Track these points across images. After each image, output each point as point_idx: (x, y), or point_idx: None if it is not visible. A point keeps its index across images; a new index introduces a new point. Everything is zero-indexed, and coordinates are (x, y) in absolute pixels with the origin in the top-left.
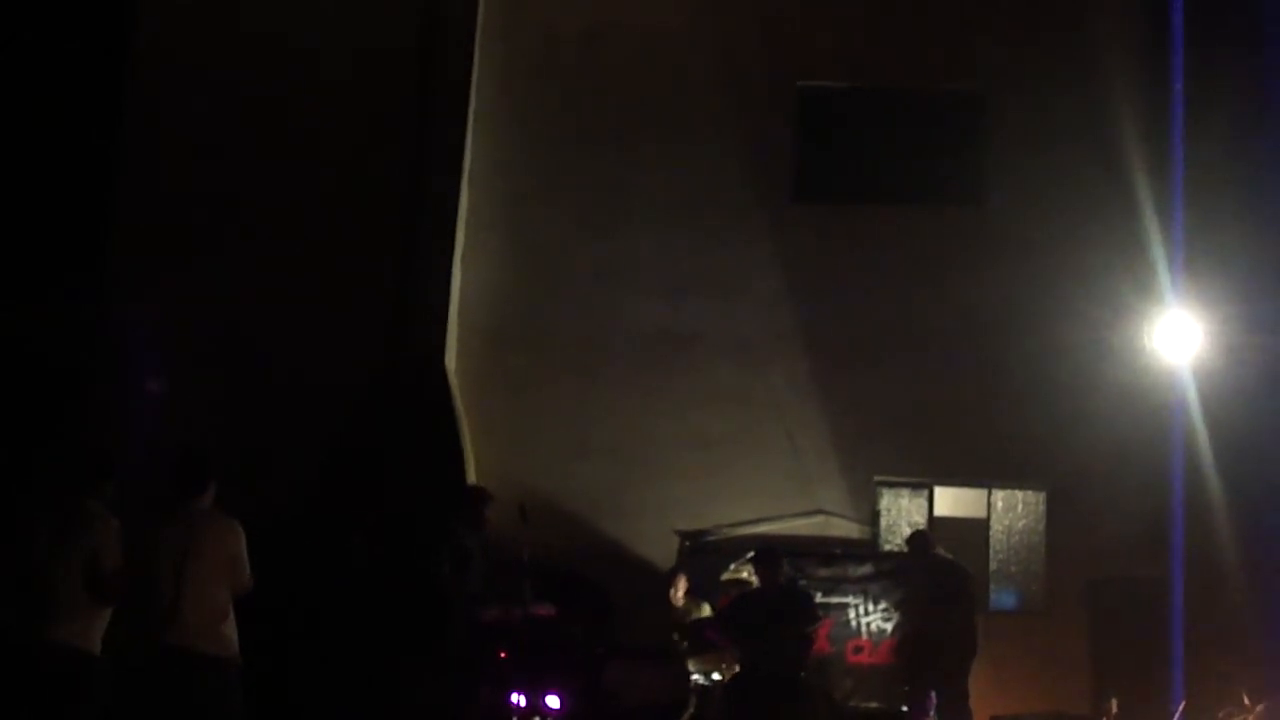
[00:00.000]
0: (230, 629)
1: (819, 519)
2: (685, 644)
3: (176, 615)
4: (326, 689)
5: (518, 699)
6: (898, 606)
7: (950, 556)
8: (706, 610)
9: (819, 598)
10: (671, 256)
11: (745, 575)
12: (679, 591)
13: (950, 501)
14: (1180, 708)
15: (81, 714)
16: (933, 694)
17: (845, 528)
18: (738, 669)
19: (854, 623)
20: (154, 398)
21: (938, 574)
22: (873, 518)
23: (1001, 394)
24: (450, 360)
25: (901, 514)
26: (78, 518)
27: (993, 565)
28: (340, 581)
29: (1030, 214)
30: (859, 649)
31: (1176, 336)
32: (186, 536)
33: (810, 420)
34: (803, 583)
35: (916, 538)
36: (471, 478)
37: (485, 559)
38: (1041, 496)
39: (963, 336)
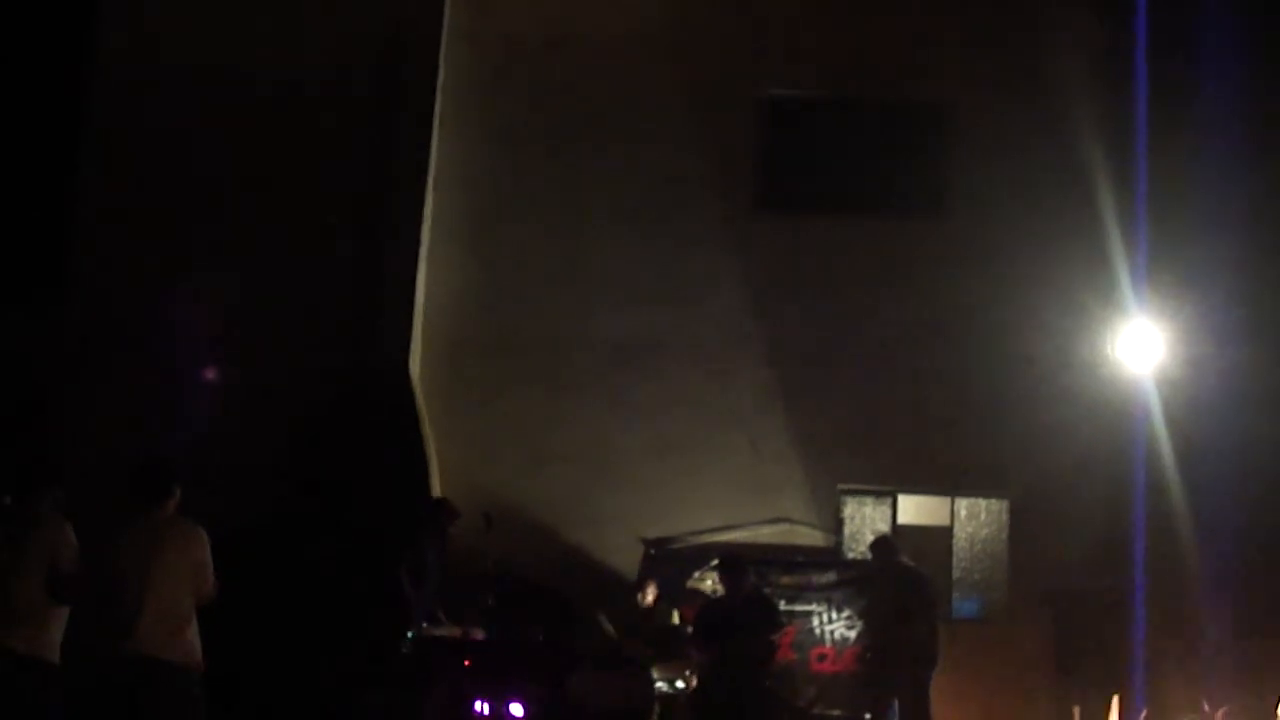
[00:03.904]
0: (193, 637)
1: (783, 527)
2: (653, 651)
3: (139, 623)
4: (289, 697)
5: (481, 706)
6: (861, 614)
7: (912, 564)
8: (675, 617)
9: (783, 606)
10: (636, 264)
11: (708, 584)
12: (648, 597)
13: (914, 510)
14: (1142, 716)
15: None
16: (895, 702)
17: (809, 535)
18: (700, 677)
19: (818, 630)
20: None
21: (900, 581)
22: (837, 526)
23: (965, 403)
24: (414, 368)
25: (865, 522)
26: (28, 523)
27: (955, 573)
28: (303, 590)
29: (993, 224)
30: (823, 657)
31: (1139, 346)
32: (149, 544)
33: (774, 428)
34: (767, 590)
35: (881, 544)
36: (436, 486)
37: (442, 573)
38: (1004, 505)
39: (926, 345)
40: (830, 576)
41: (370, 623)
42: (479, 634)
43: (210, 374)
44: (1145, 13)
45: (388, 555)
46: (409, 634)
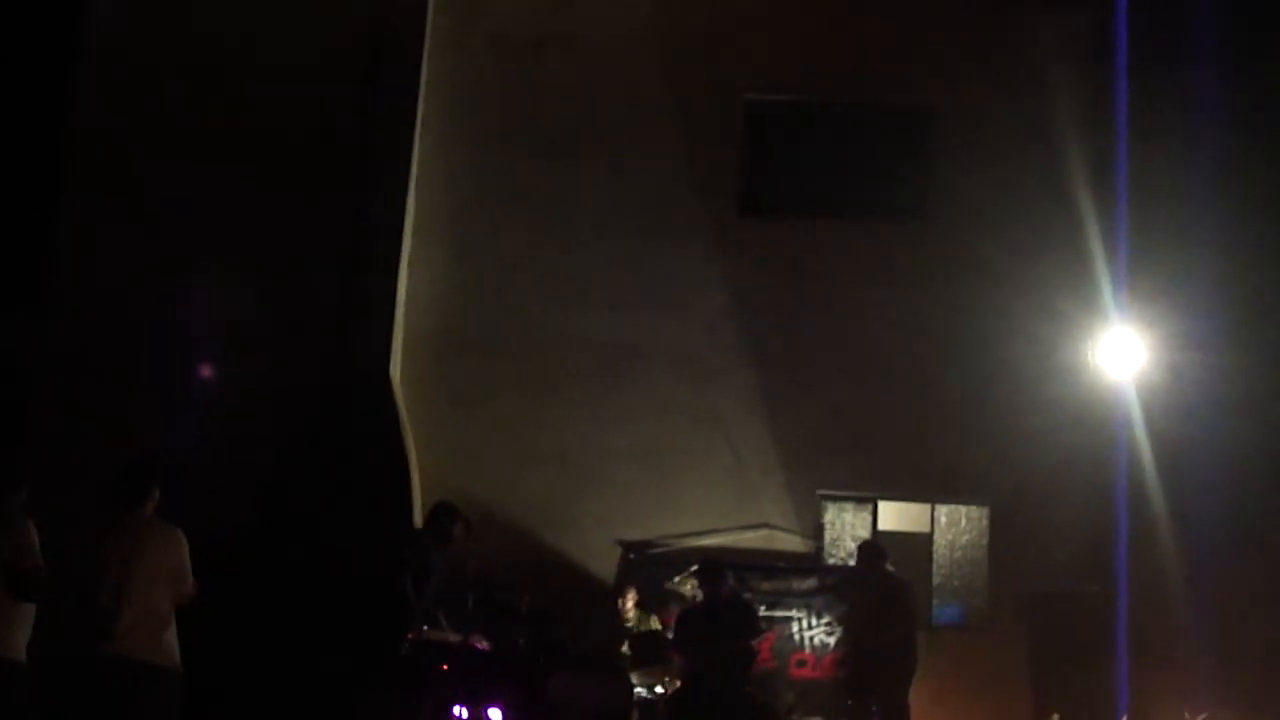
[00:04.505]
0: (172, 638)
1: (764, 532)
2: (632, 656)
3: (117, 625)
4: (272, 698)
5: (460, 711)
6: (841, 620)
7: (893, 570)
8: (655, 623)
9: (762, 611)
10: (618, 268)
11: (688, 589)
12: (628, 603)
13: (894, 516)
14: None
15: None
16: (874, 708)
17: (790, 541)
18: (680, 682)
19: (797, 636)
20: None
21: (881, 588)
22: (817, 531)
23: (946, 409)
24: (395, 371)
25: (846, 528)
26: None
27: (936, 580)
28: (281, 592)
29: (975, 230)
30: (802, 662)
31: (1120, 353)
32: (128, 545)
33: (755, 433)
34: (746, 596)
35: (868, 549)
36: (416, 489)
37: (442, 576)
38: (985, 511)
39: (908, 351)
40: (810, 582)
41: (361, 626)
42: (482, 642)
43: (193, 376)
44: (1128, 20)
45: (389, 557)
46: (408, 636)
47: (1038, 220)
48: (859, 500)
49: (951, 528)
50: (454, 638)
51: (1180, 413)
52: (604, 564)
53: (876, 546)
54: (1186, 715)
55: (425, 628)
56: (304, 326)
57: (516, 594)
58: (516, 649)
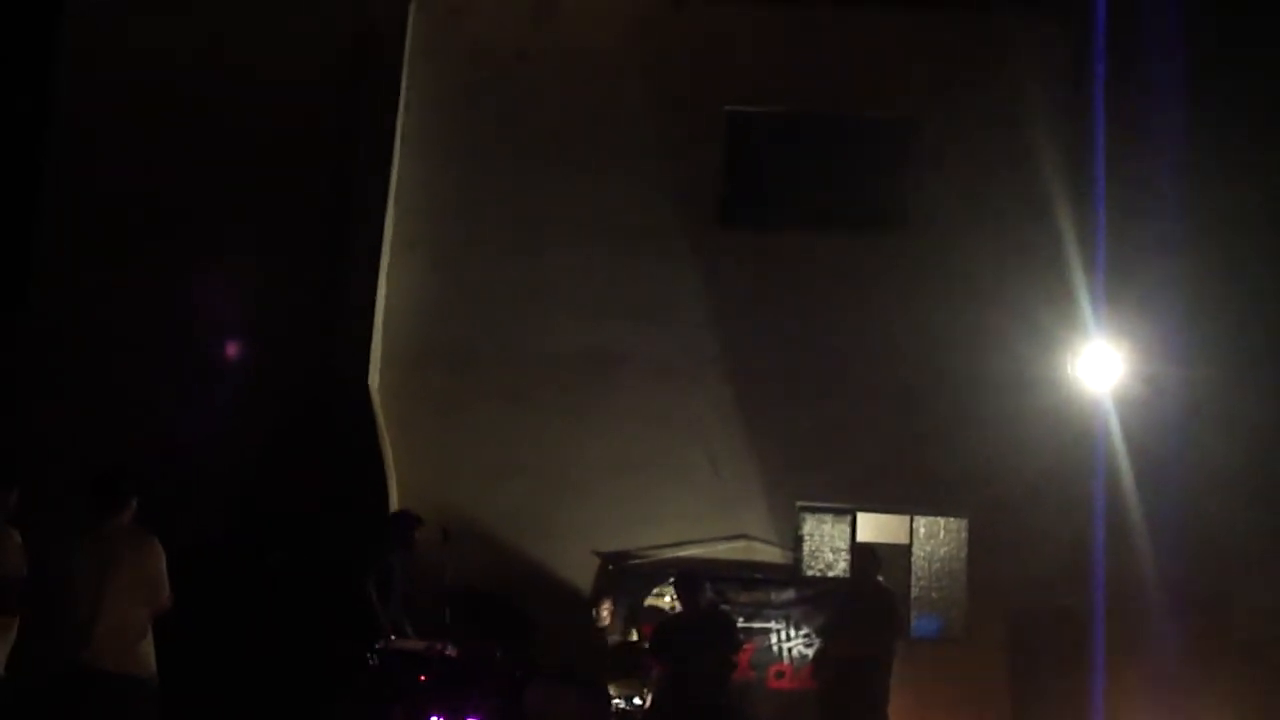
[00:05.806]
0: (148, 648)
1: (742, 543)
2: (610, 667)
3: (93, 634)
4: (247, 708)
5: None
6: (820, 632)
7: (881, 580)
8: (633, 634)
9: (741, 623)
10: (598, 278)
11: (667, 600)
12: (604, 613)
13: (873, 527)
14: None
15: None
16: None
17: (768, 552)
18: (657, 693)
19: (776, 648)
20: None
21: (866, 597)
22: (796, 543)
23: (925, 421)
24: (374, 380)
25: (824, 539)
26: None
27: (914, 592)
28: (260, 601)
29: (955, 242)
30: (781, 674)
31: (1098, 366)
32: (105, 554)
33: (733, 444)
34: (725, 607)
35: (860, 556)
36: (394, 498)
37: (407, 583)
38: (963, 524)
39: (886, 363)
40: (789, 594)
41: (335, 636)
42: (448, 648)
43: (172, 385)
44: (1106, 35)
45: (354, 568)
46: (376, 647)
47: (1017, 233)
48: (838, 512)
49: (930, 539)
50: (420, 644)
51: (1158, 425)
52: (582, 574)
53: (869, 553)
54: None
55: (392, 638)
56: (284, 335)
57: (492, 605)
58: (494, 659)
